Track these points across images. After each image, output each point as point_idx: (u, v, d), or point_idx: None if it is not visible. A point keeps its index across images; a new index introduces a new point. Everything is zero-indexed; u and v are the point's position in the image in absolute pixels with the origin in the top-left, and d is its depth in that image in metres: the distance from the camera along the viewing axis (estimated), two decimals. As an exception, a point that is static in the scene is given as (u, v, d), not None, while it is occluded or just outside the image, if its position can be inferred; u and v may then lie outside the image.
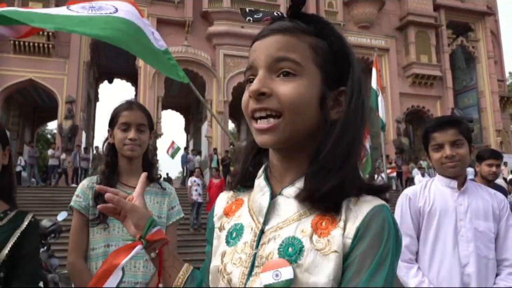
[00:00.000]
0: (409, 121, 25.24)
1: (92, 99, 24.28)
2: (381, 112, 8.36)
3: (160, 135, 20.06)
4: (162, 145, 21.10)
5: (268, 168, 0.83)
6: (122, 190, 1.84)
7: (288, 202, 0.77)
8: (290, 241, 0.73)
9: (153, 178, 2.01)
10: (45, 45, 18.63)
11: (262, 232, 0.76)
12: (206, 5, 21.34)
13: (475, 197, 2.01)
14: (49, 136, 37.56)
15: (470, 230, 1.94)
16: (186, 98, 25.84)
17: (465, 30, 25.93)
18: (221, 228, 0.84)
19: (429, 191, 2.09)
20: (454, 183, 2.03)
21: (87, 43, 20.00)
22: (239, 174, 0.86)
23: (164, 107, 22.58)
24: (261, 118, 0.75)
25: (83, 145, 17.62)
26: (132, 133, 1.88)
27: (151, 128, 2.01)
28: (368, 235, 0.70)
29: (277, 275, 0.69)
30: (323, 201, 0.73)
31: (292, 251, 0.72)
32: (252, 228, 0.77)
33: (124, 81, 27.66)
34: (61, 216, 5.70)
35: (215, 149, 18.77)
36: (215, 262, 0.81)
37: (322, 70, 0.77)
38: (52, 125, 35.31)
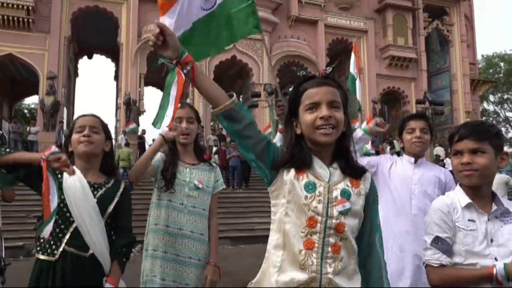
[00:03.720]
0: (384, 102, 26.09)
1: (72, 74, 24.07)
2: (359, 95, 8.91)
3: (143, 112, 20.20)
4: (145, 121, 21.37)
5: (310, 152, 1.46)
6: (181, 165, 2.44)
7: (336, 171, 1.47)
8: (344, 190, 1.43)
9: (204, 159, 2.65)
10: (25, 20, 18.29)
11: (328, 186, 1.43)
12: (189, -18, 21.22)
13: (428, 170, 2.74)
14: (25, 111, 36.85)
15: (421, 192, 2.67)
16: (167, 75, 25.75)
17: (440, 13, 26.70)
18: (296, 180, 1.43)
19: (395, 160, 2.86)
20: (412, 159, 2.77)
21: (68, 18, 19.75)
22: (293, 157, 1.46)
23: (145, 84, 22.62)
24: (324, 128, 1.42)
25: (65, 121, 17.65)
26: (184, 124, 2.55)
27: (199, 120, 2.66)
28: (374, 190, 1.53)
29: (343, 206, 1.40)
30: (357, 173, 1.48)
31: (346, 195, 1.43)
32: (321, 184, 1.43)
33: (103, 57, 27.44)
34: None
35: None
36: (301, 200, 1.40)
37: (343, 106, 1.48)
38: (29, 100, 34.64)
